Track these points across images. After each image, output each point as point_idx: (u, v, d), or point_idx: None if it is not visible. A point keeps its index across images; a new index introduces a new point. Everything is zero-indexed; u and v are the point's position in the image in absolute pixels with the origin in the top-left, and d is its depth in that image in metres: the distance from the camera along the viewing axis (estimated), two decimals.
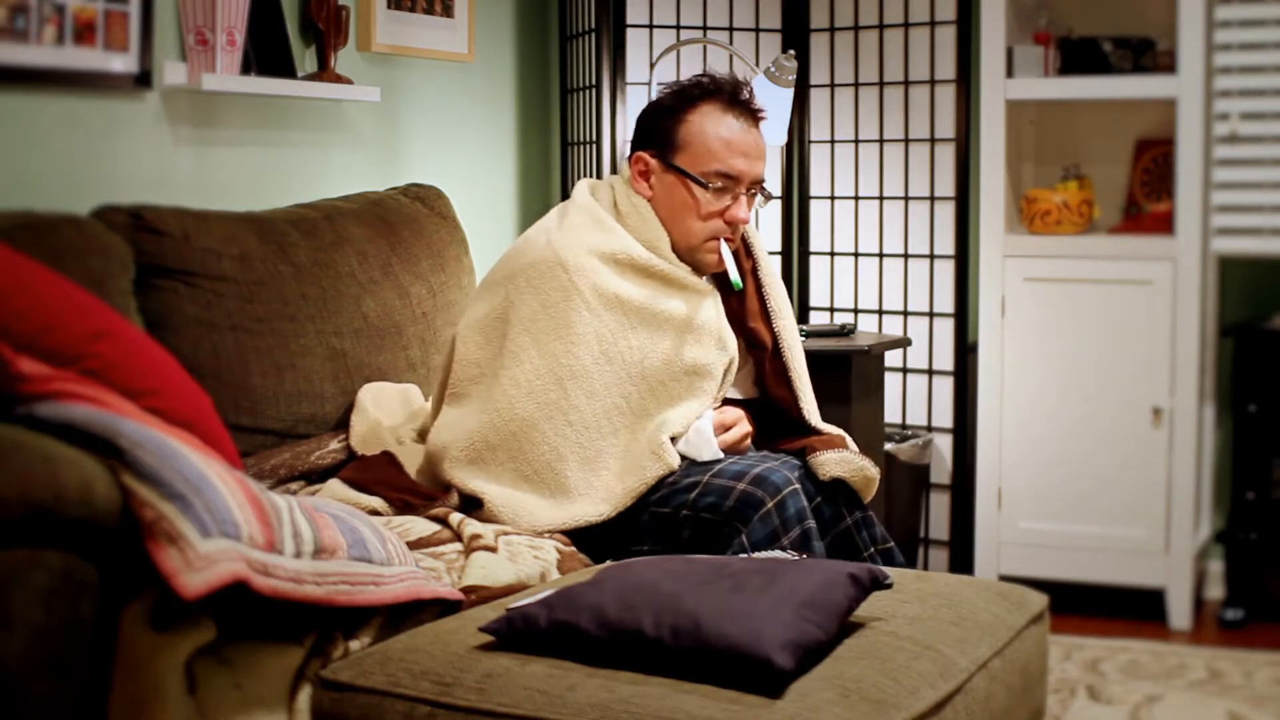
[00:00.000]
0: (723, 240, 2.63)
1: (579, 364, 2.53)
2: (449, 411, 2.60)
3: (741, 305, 2.74)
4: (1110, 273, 3.83)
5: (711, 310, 2.65)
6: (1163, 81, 3.79)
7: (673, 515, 2.46)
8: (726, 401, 2.73)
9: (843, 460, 2.55)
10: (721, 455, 2.56)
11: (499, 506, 2.48)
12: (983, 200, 3.93)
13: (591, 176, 3.89)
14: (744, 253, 2.74)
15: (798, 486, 2.42)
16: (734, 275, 2.62)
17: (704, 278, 2.68)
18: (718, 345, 2.63)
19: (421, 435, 2.78)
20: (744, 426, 2.64)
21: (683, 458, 2.54)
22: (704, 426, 2.58)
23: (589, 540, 2.49)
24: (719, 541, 2.41)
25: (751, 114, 2.67)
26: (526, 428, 2.51)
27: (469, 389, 2.61)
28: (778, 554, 2.23)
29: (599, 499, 2.50)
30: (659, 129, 2.66)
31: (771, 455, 2.60)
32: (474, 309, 2.66)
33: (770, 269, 2.77)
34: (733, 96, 2.65)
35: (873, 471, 2.60)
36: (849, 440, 2.66)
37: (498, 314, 2.60)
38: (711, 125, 2.62)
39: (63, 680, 1.72)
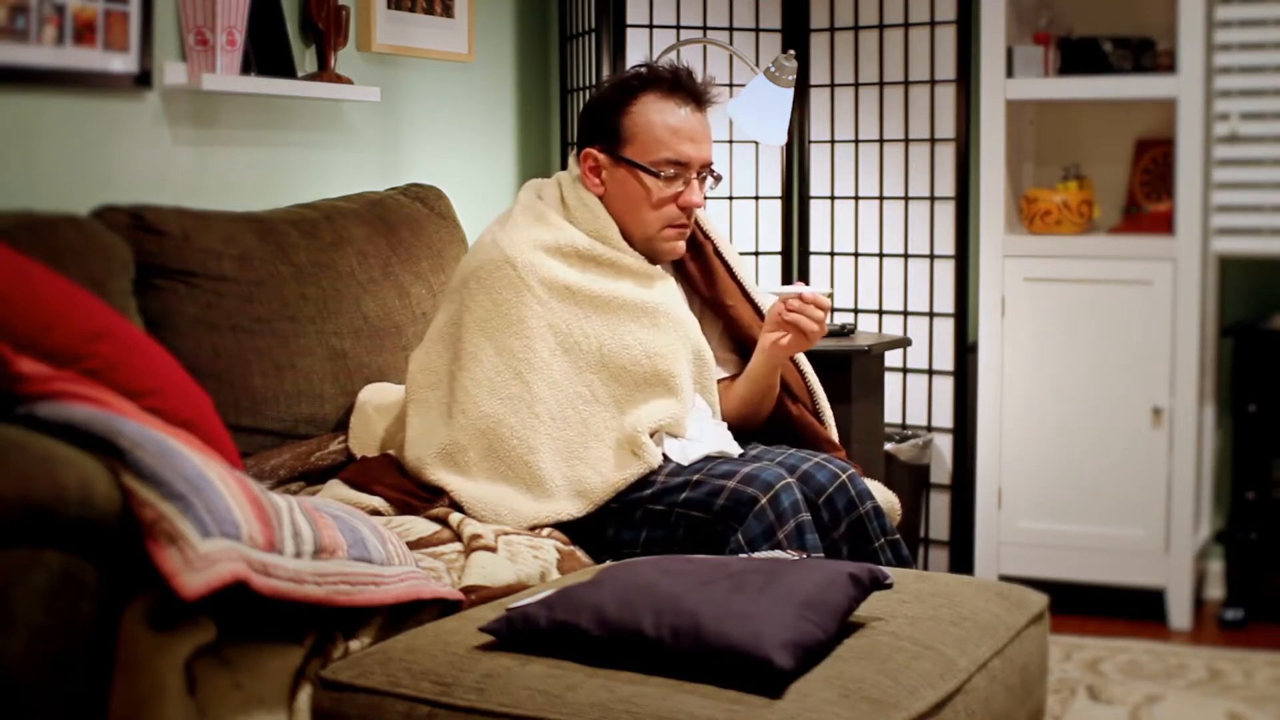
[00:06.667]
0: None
1: (536, 357, 2.54)
2: (415, 423, 2.61)
3: (713, 288, 2.76)
4: (1110, 273, 3.83)
5: (667, 295, 2.65)
6: (1163, 81, 3.79)
7: (666, 513, 2.46)
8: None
9: (877, 487, 2.69)
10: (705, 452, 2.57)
11: (481, 509, 2.48)
12: (983, 200, 3.93)
13: None
14: (700, 234, 2.78)
15: (790, 481, 2.42)
16: None
17: (658, 266, 2.69)
18: (678, 331, 2.62)
19: None
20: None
21: (665, 456, 2.55)
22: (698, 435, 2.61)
23: (586, 538, 2.49)
24: (713, 540, 2.41)
25: (695, 98, 2.66)
26: (494, 424, 2.52)
27: (427, 395, 2.61)
28: (778, 554, 2.23)
29: (575, 493, 2.50)
30: (604, 123, 2.67)
31: (765, 453, 2.61)
32: (435, 320, 2.68)
33: (729, 247, 2.82)
34: (673, 83, 2.65)
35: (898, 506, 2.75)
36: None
37: (454, 321, 2.62)
38: (655, 113, 2.63)
39: (63, 680, 1.72)
